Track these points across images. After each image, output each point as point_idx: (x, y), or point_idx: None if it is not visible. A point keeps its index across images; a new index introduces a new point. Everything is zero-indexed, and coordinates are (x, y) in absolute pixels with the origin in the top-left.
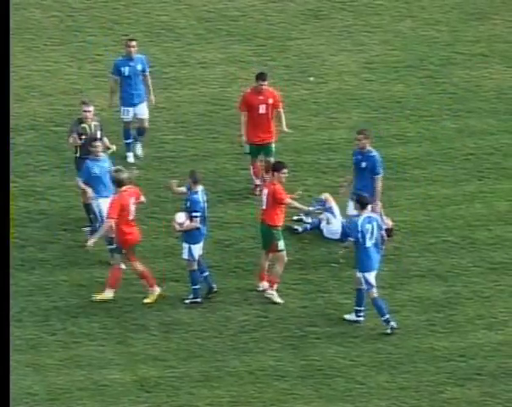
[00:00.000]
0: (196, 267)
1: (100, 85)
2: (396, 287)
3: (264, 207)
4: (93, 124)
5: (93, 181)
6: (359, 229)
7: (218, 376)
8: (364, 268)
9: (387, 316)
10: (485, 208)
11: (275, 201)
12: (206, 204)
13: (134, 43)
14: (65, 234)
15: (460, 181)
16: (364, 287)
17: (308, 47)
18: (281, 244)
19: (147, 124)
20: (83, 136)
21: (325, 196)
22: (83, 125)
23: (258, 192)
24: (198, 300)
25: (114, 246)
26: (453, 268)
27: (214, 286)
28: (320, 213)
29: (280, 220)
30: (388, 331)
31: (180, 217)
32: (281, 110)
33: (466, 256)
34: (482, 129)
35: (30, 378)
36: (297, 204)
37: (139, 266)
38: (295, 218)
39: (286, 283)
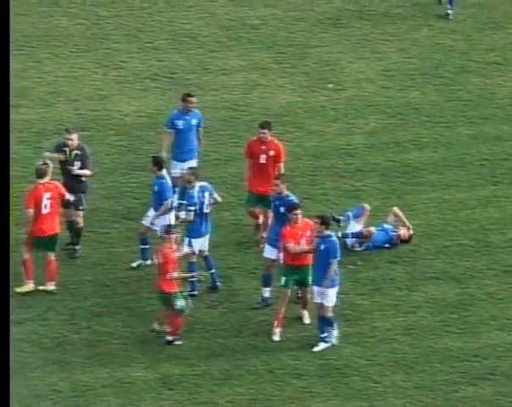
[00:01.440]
0: (195, 260)
1: (124, 91)
2: (412, 288)
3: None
4: (74, 152)
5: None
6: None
7: (238, 375)
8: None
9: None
10: (499, 212)
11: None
12: (207, 202)
13: (193, 99)
14: (90, 235)
15: (475, 185)
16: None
17: (327, 54)
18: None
19: None
20: (62, 158)
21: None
22: (64, 148)
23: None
24: (195, 293)
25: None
26: (467, 270)
27: (219, 284)
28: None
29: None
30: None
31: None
32: (281, 165)
33: (480, 259)
34: (496, 135)
35: (56, 375)
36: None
37: (27, 255)
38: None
39: None
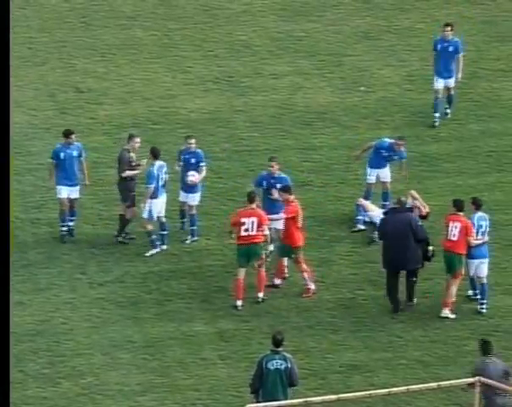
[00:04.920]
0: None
1: (189, 91)
2: (431, 259)
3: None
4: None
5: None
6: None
7: (283, 330)
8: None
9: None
10: (503, 195)
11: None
12: (164, 176)
13: (275, 163)
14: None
15: (483, 173)
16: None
17: (359, 62)
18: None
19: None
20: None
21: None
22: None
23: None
24: (157, 250)
25: None
26: None
27: (165, 246)
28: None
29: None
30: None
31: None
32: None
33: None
34: (502, 131)
35: (131, 329)
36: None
37: None
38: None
39: (339, 254)
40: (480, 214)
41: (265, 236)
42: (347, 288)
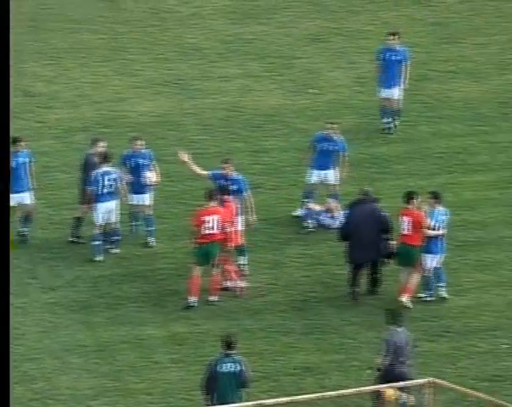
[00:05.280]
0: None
1: (139, 94)
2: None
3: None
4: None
5: None
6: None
7: (235, 333)
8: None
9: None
10: (453, 196)
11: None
12: (106, 183)
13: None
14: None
15: (433, 174)
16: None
17: (309, 64)
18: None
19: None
20: None
21: (335, 205)
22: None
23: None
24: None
25: None
26: None
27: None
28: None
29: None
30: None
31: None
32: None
33: None
34: (452, 132)
35: (82, 333)
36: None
37: None
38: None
39: (290, 257)
40: (440, 208)
41: (226, 234)
42: (298, 290)
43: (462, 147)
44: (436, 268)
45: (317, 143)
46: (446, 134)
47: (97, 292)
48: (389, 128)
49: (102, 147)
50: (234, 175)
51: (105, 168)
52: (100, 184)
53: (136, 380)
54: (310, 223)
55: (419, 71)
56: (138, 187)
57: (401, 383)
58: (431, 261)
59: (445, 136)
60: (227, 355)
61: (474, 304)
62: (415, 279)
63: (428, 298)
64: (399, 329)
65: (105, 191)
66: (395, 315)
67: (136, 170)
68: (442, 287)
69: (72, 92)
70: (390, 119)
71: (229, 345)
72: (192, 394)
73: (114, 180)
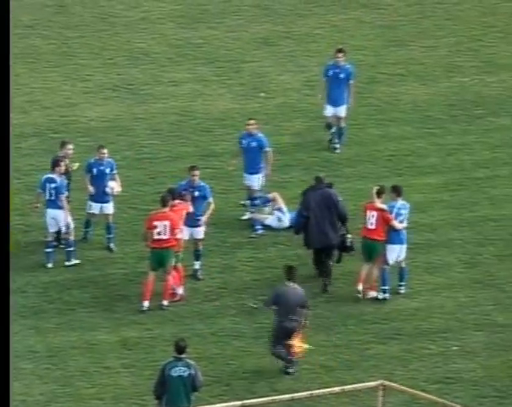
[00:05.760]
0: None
1: (89, 99)
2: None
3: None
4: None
5: None
6: None
7: (186, 337)
8: None
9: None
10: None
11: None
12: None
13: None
14: None
15: (383, 177)
16: None
17: (259, 68)
18: None
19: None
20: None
21: (273, 195)
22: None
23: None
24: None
25: None
26: None
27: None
28: (271, 213)
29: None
30: None
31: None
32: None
33: None
34: (401, 135)
35: (33, 339)
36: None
37: None
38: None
39: (240, 261)
40: (400, 202)
41: (177, 240)
42: (249, 294)
43: (411, 150)
44: (401, 267)
45: (241, 144)
46: (395, 137)
47: (47, 297)
48: (334, 148)
49: (70, 149)
50: (200, 182)
51: (50, 174)
52: (47, 190)
53: (88, 385)
54: (259, 228)
55: (368, 74)
56: (101, 196)
57: None
58: (393, 253)
59: (394, 139)
60: (179, 359)
61: (424, 307)
62: (376, 271)
63: (380, 297)
64: (292, 286)
65: (49, 198)
66: (290, 271)
67: (100, 179)
68: (401, 285)
69: (22, 98)
70: (336, 137)
71: (180, 349)
72: (144, 399)
73: (55, 188)
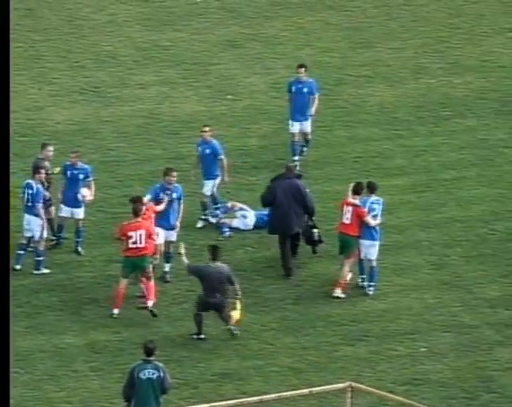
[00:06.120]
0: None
1: (56, 103)
2: (299, 265)
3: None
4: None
5: None
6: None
7: (155, 340)
8: None
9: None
10: None
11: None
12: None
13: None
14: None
15: (350, 179)
16: None
17: (226, 70)
18: None
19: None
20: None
21: (232, 204)
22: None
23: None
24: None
25: None
26: None
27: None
28: (235, 216)
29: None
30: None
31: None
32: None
33: None
34: (368, 136)
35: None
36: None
37: None
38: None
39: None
40: (373, 197)
41: (154, 247)
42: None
43: (378, 152)
44: (370, 262)
45: (198, 147)
46: (362, 138)
47: (15, 301)
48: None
49: (50, 151)
50: (175, 183)
51: (30, 180)
52: (25, 195)
53: (56, 389)
54: (226, 231)
55: (335, 76)
56: (73, 201)
57: None
58: (364, 247)
59: (361, 141)
60: (148, 362)
61: (392, 308)
62: (347, 268)
63: (361, 284)
64: (215, 265)
65: (26, 203)
66: (214, 251)
67: (73, 183)
68: (370, 286)
69: None
70: (298, 157)
71: (149, 352)
72: (113, 402)
73: (31, 195)
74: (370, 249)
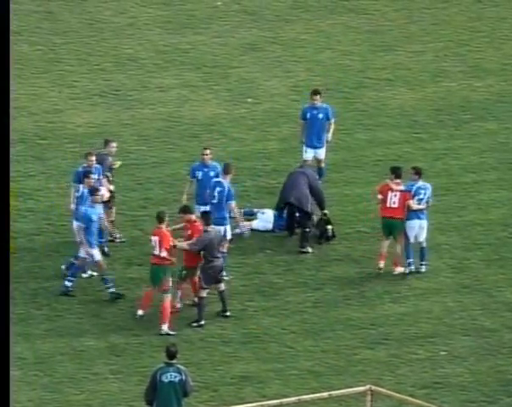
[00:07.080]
0: None
1: (76, 105)
2: (319, 268)
3: None
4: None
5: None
6: None
7: (175, 343)
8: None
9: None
10: None
11: None
12: None
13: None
14: (49, 227)
15: (370, 182)
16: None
17: (246, 74)
18: None
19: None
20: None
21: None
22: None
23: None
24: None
25: None
26: (364, 253)
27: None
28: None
29: None
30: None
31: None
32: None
33: (375, 243)
34: (388, 140)
35: (21, 345)
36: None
37: None
38: None
39: (228, 266)
40: (421, 182)
41: (167, 259)
42: (237, 300)
43: (398, 155)
44: (422, 247)
45: (197, 172)
46: (382, 142)
47: (35, 304)
48: None
49: (113, 147)
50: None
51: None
52: (72, 198)
53: (76, 391)
54: (246, 232)
55: (355, 79)
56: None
57: None
58: (414, 230)
59: (381, 144)
60: (170, 365)
61: (412, 311)
62: (399, 247)
63: (407, 271)
64: (210, 229)
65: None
66: (206, 216)
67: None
68: (422, 264)
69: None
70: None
71: (171, 355)
72: (132, 405)
73: (77, 198)
74: (420, 231)
